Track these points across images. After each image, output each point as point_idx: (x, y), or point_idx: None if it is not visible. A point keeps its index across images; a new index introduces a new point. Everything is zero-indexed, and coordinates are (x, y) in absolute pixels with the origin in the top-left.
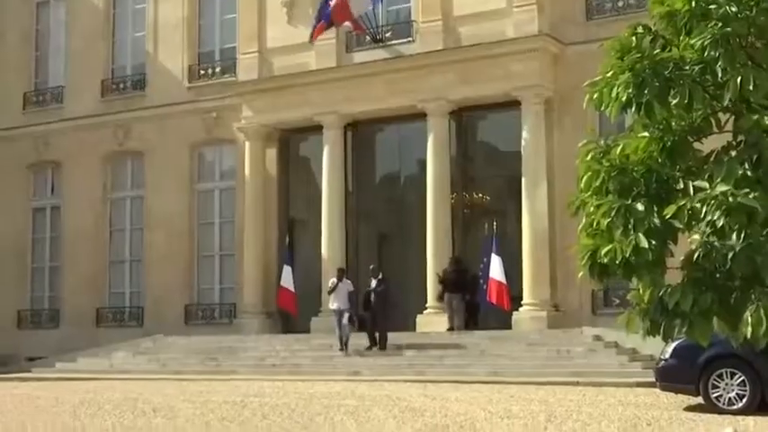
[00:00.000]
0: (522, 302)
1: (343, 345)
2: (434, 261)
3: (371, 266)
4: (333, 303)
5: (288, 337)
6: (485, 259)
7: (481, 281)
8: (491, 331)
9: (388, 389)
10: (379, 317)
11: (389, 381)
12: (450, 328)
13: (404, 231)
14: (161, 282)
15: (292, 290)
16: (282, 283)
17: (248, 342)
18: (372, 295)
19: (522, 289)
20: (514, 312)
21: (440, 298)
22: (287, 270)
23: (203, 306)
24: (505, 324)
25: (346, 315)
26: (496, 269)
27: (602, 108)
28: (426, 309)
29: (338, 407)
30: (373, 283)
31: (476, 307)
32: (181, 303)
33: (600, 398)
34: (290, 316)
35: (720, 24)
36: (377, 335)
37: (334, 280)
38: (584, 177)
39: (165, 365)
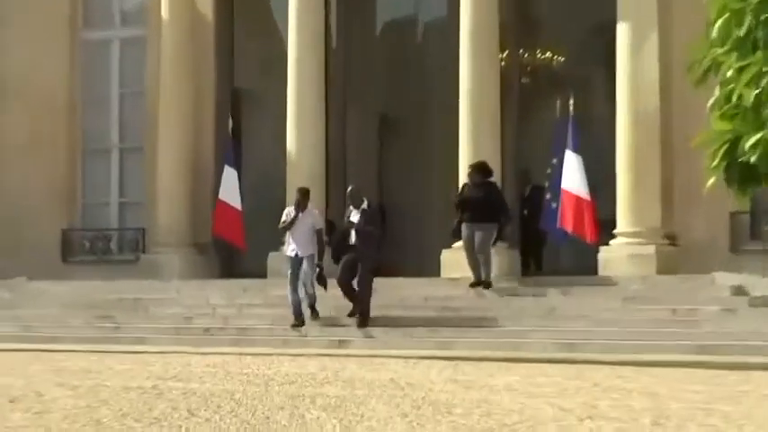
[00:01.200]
0: (616, 232)
1: (299, 316)
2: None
3: (350, 188)
4: (288, 246)
5: (231, 284)
6: (553, 161)
7: (548, 196)
8: (564, 277)
9: (393, 369)
10: (363, 269)
11: (395, 357)
12: (476, 284)
13: (421, 116)
14: (20, 191)
15: (238, 208)
16: (222, 196)
17: (166, 292)
18: (352, 235)
19: (614, 210)
20: (603, 248)
21: (456, 233)
22: (229, 175)
23: (92, 233)
24: (588, 267)
25: (307, 268)
26: (574, 176)
27: None
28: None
29: (312, 398)
30: (354, 214)
31: (539, 239)
32: (54, 227)
33: (745, 388)
34: (235, 250)
35: None
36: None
37: (291, 210)
38: (719, 22)
39: (30, 328)
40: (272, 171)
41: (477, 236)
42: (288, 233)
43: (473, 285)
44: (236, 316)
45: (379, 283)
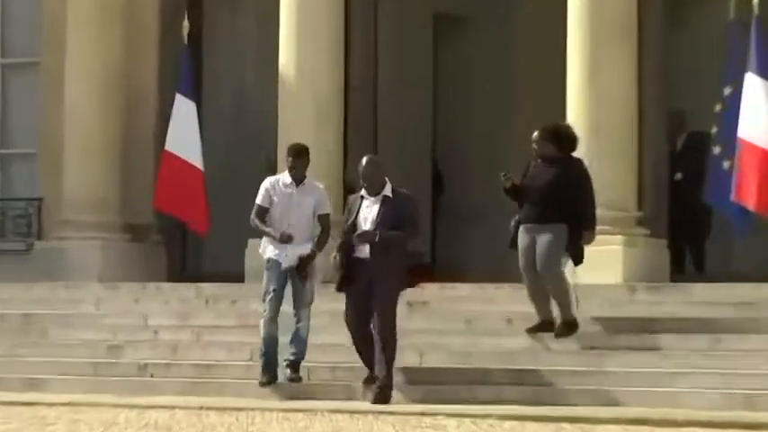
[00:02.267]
0: None
1: (269, 367)
2: (588, 98)
3: (364, 160)
4: (266, 245)
5: (185, 291)
6: (725, 92)
7: (715, 150)
8: (741, 285)
9: None
10: (382, 301)
11: (465, 416)
12: (540, 327)
13: (504, 18)
14: None
15: (198, 166)
16: (171, 146)
17: (78, 304)
18: (364, 247)
19: None
20: None
21: (514, 242)
22: (184, 112)
23: None
24: None
25: (301, 283)
26: (760, 118)
27: None
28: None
29: None
30: (367, 206)
31: (701, 219)
32: None
33: None
34: (194, 237)
35: None
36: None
37: (277, 182)
38: None
39: None
40: (254, 108)
41: (540, 245)
42: (267, 221)
43: (533, 330)
44: (193, 345)
45: (429, 294)
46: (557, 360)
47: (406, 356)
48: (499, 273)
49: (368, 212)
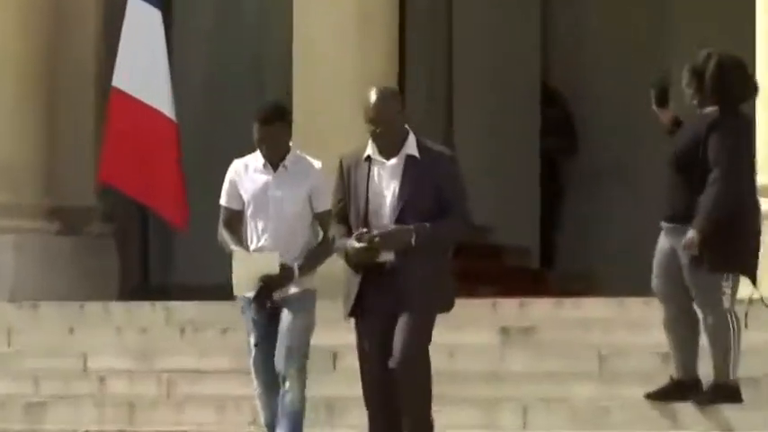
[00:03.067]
0: None
1: None
2: None
3: (371, 92)
4: (239, 277)
5: (148, 312)
6: None
7: None
8: None
9: None
10: (413, 337)
11: None
12: (676, 387)
13: None
14: None
15: (168, 115)
16: (120, 81)
17: None
18: (389, 256)
19: None
20: None
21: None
22: (143, 20)
23: None
24: None
25: (294, 320)
26: None
27: None
28: None
29: None
30: (378, 172)
31: None
32: None
33: None
34: (161, 227)
35: None
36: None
37: (241, 168)
38: None
39: None
40: (250, 22)
41: (684, 257)
42: (240, 228)
43: (662, 396)
44: (161, 402)
45: (537, 315)
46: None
47: (501, 416)
48: (647, 281)
49: (382, 185)
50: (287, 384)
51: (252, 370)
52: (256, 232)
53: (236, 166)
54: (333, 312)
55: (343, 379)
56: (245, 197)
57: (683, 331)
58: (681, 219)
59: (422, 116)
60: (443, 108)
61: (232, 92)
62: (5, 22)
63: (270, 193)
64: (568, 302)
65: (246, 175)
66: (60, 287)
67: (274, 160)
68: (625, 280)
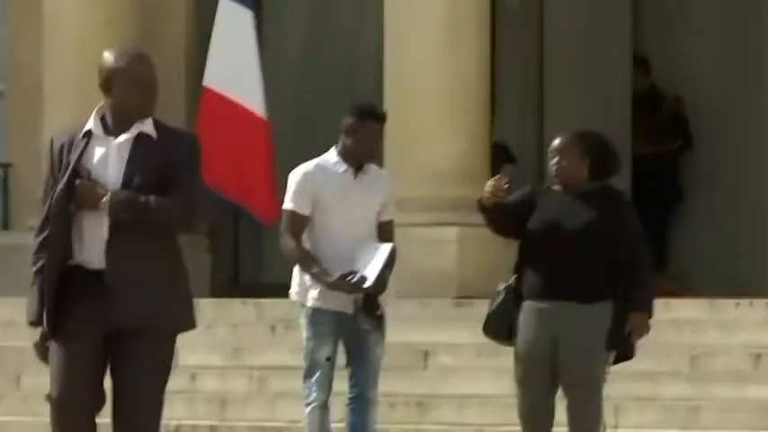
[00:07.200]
0: None
1: None
2: None
3: None
4: (305, 283)
5: (240, 307)
6: None
7: None
8: None
9: None
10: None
11: None
12: None
13: None
14: None
15: (260, 114)
16: (211, 81)
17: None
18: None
19: None
20: None
21: (492, 323)
22: (236, 20)
23: None
24: None
25: (371, 342)
26: None
27: None
28: None
29: None
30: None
31: None
32: None
33: None
34: (249, 224)
35: None
36: None
37: (314, 170)
38: None
39: None
40: (341, 27)
41: (569, 342)
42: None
43: None
44: (253, 397)
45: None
46: None
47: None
48: (741, 279)
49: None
50: (369, 407)
51: (314, 386)
52: (336, 245)
53: (308, 168)
54: (424, 311)
55: (433, 377)
56: (324, 201)
57: (541, 411)
58: (556, 297)
59: (514, 121)
60: (535, 112)
61: (323, 96)
62: (94, 24)
63: (353, 198)
64: (660, 304)
65: (324, 178)
66: None
67: (362, 163)
68: (715, 279)
